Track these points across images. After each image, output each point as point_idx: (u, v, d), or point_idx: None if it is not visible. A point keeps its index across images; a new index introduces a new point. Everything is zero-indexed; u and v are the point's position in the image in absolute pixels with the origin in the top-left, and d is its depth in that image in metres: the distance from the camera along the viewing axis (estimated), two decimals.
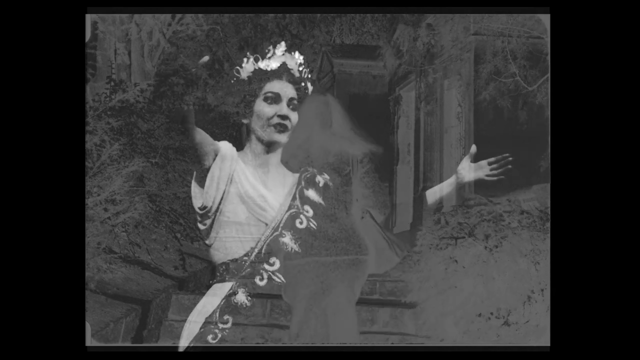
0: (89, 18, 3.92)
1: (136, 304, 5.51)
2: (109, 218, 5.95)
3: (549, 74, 4.45)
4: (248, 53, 2.77)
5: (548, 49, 3.95)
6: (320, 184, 2.76)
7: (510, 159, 2.90)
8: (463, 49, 9.44)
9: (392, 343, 5.38)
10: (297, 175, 2.77)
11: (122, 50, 8.99)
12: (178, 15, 9.13)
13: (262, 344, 5.21)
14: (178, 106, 2.48)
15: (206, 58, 2.51)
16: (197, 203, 2.67)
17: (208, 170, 2.63)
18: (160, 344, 5.55)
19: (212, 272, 7.70)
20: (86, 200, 5.59)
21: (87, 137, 6.09)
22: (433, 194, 3.01)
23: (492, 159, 2.90)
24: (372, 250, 3.20)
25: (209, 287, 2.76)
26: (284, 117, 2.69)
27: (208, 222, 2.68)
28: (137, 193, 6.32)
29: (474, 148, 2.91)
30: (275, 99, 2.71)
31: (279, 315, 5.64)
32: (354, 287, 3.19)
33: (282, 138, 2.70)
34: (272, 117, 2.69)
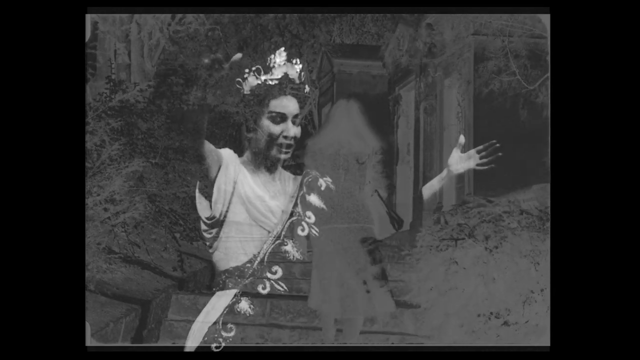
0: (89, 18, 3.92)
1: (136, 303, 5.51)
2: (108, 218, 5.95)
3: (549, 74, 4.45)
4: (251, 67, 2.75)
5: (548, 48, 3.95)
6: (322, 187, 2.77)
7: (498, 145, 2.92)
8: (463, 47, 9.44)
9: (392, 343, 5.38)
10: (298, 178, 2.77)
11: (122, 50, 8.99)
12: (178, 15, 9.13)
13: (262, 344, 5.21)
14: (190, 110, 2.48)
15: (239, 55, 2.50)
16: (204, 214, 2.66)
17: (214, 181, 2.63)
18: (160, 344, 5.55)
19: (212, 276, 7.70)
20: (86, 200, 5.59)
21: (87, 137, 6.09)
22: (428, 189, 3.20)
23: (480, 147, 2.91)
24: (377, 220, 4.08)
25: (212, 293, 2.77)
26: (290, 137, 2.69)
27: (214, 231, 2.68)
28: (137, 193, 6.32)
29: (462, 138, 2.94)
30: (280, 118, 2.70)
31: (278, 315, 5.65)
32: (361, 252, 4.08)
33: (286, 157, 2.71)
34: (278, 137, 2.69)
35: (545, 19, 3.98)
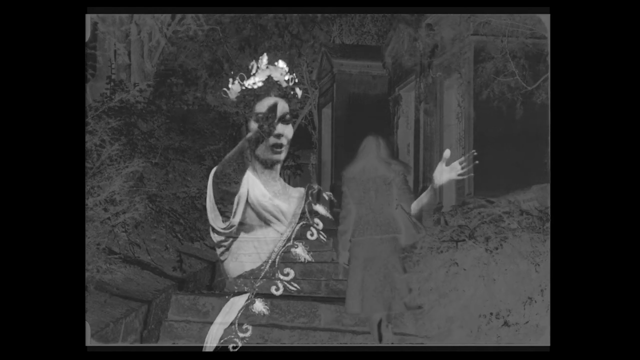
0: (89, 18, 3.92)
1: (136, 304, 5.50)
2: (108, 218, 5.95)
3: (548, 74, 4.44)
4: (232, 73, 2.77)
5: (548, 48, 3.95)
6: (327, 199, 2.79)
7: (475, 154, 3.05)
8: (463, 48, 9.44)
9: (392, 343, 5.38)
10: (299, 189, 2.79)
11: (122, 51, 8.99)
12: (178, 16, 9.13)
13: (262, 344, 5.21)
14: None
15: (287, 114, 2.53)
16: (221, 224, 2.66)
17: (234, 194, 2.65)
18: (160, 344, 5.55)
19: (212, 277, 7.64)
20: (86, 200, 5.58)
21: (87, 137, 6.08)
22: (417, 204, 3.45)
23: (462, 158, 3.04)
24: (403, 229, 4.85)
25: (214, 294, 2.78)
26: (279, 135, 2.69)
27: (229, 240, 2.68)
28: (137, 193, 6.32)
29: (447, 153, 3.07)
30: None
31: (279, 315, 5.64)
32: (392, 257, 4.86)
33: (280, 157, 2.71)
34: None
35: (545, 19, 3.98)
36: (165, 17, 8.99)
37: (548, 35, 3.95)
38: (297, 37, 10.68)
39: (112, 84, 8.13)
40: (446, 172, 3.07)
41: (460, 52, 9.50)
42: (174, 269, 6.69)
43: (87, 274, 5.26)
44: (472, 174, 3.08)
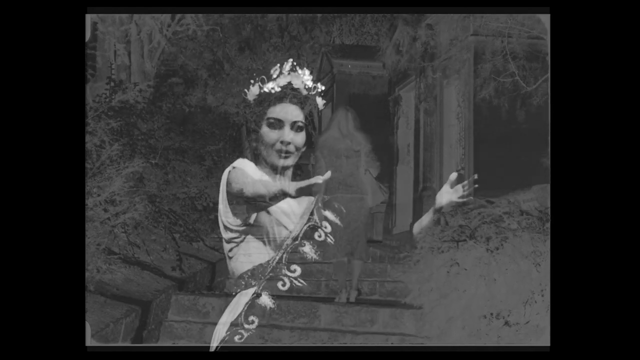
0: (89, 18, 3.92)
1: (136, 304, 5.51)
2: (108, 219, 5.95)
3: (548, 74, 4.45)
4: (255, 75, 2.76)
5: (548, 49, 3.95)
6: (336, 206, 2.80)
7: (476, 177, 3.11)
8: (462, 49, 9.44)
9: (392, 343, 5.38)
10: (308, 198, 2.80)
11: (121, 51, 8.99)
12: (178, 16, 9.13)
13: (262, 344, 5.22)
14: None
15: (328, 174, 2.53)
16: (235, 222, 2.66)
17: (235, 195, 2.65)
18: (160, 344, 5.55)
19: (212, 277, 7.67)
20: (86, 200, 5.58)
21: (87, 137, 6.09)
22: (418, 225, 3.55)
23: (464, 182, 3.09)
24: (370, 192, 5.87)
25: (214, 294, 2.78)
26: (286, 143, 2.68)
27: (242, 237, 2.68)
28: (137, 194, 6.32)
29: (453, 175, 3.11)
30: (277, 124, 2.70)
31: (279, 315, 5.64)
32: (360, 214, 5.87)
33: (286, 162, 2.70)
34: (275, 143, 2.68)
35: (545, 19, 3.98)
36: (165, 17, 8.99)
37: (548, 35, 3.95)
38: (296, 38, 10.68)
39: (112, 84, 8.12)
40: (447, 194, 3.11)
41: (459, 52, 9.50)
42: (172, 269, 6.69)
43: (87, 274, 5.26)
44: (472, 197, 3.14)
